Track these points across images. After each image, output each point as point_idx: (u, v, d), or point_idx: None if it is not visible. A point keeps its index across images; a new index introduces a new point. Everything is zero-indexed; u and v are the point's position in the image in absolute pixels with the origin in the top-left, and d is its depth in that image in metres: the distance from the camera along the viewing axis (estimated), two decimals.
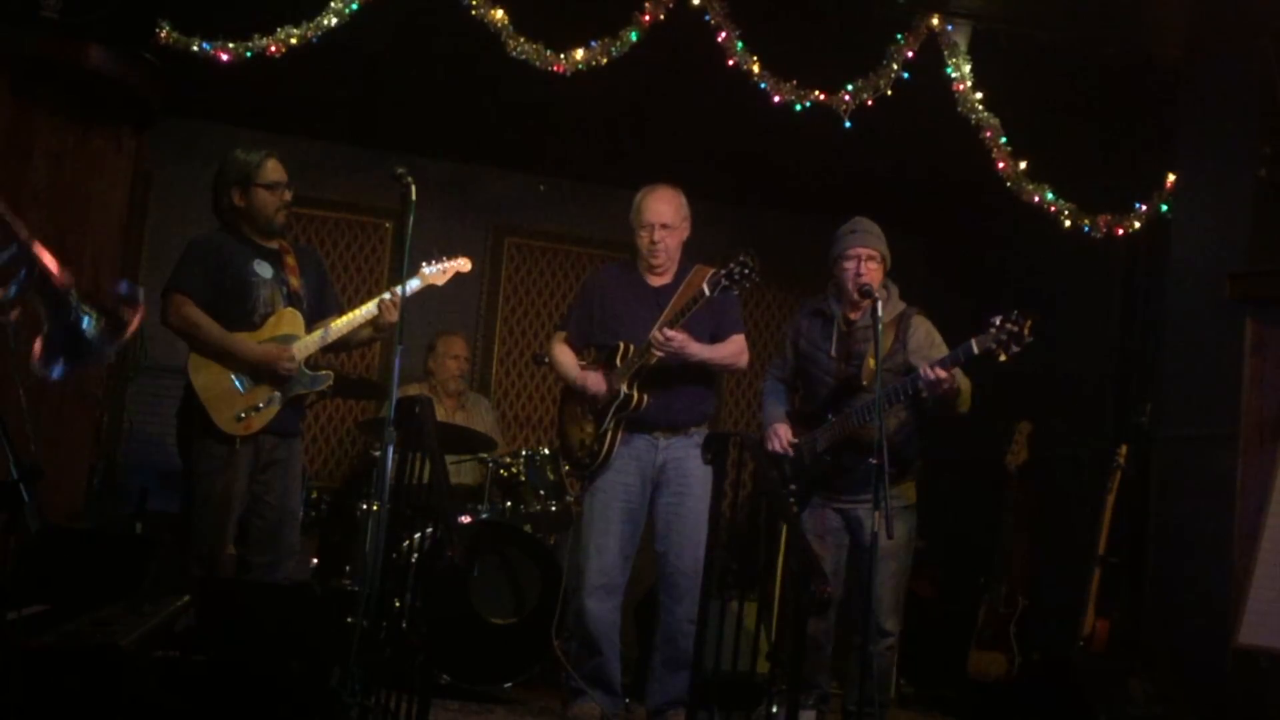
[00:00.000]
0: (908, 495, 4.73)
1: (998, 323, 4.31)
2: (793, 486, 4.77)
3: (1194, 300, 5.23)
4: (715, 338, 4.75)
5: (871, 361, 4.59)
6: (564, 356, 4.89)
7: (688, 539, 4.65)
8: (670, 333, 4.55)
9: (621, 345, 4.72)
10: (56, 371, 2.42)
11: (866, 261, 4.70)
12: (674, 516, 4.69)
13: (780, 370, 5.04)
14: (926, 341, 4.71)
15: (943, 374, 4.39)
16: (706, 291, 4.52)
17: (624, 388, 4.65)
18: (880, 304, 4.44)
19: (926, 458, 4.86)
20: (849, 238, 4.76)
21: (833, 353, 4.79)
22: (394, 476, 4.01)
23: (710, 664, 4.27)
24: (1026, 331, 4.27)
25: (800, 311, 5.05)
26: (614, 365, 4.72)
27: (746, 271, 4.47)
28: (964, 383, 4.60)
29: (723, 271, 4.49)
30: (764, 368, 7.59)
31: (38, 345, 2.42)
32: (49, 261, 2.39)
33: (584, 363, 4.91)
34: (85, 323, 2.41)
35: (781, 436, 4.84)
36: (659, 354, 4.59)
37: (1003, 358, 4.31)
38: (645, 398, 4.65)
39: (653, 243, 4.75)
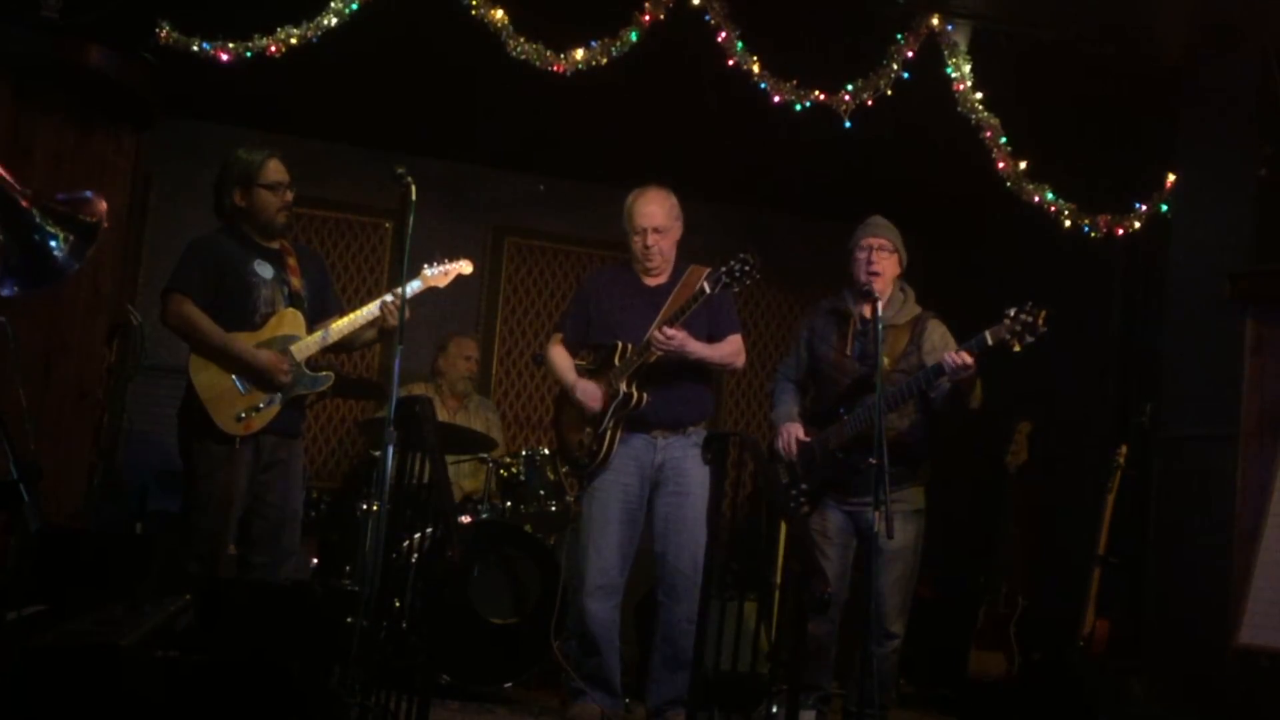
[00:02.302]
0: (916, 499, 4.71)
1: (1012, 314, 4.30)
2: (804, 486, 4.77)
3: (1194, 300, 5.23)
4: (712, 337, 4.75)
5: (887, 361, 4.58)
6: (560, 360, 4.88)
7: (686, 539, 4.65)
8: (670, 331, 4.56)
9: (619, 345, 4.72)
10: (8, 289, 2.38)
11: (878, 251, 4.69)
12: (672, 517, 4.69)
13: (791, 371, 5.01)
14: (941, 345, 4.69)
15: (968, 359, 4.37)
16: (707, 289, 4.52)
17: (623, 386, 4.65)
18: (881, 302, 4.44)
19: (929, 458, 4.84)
20: (861, 230, 4.77)
21: (848, 351, 4.78)
22: (394, 476, 4.01)
23: (710, 664, 4.28)
24: (1041, 322, 4.26)
25: (814, 311, 5.02)
26: (612, 365, 4.72)
27: (747, 269, 4.47)
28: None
29: (723, 269, 4.50)
30: (761, 368, 7.64)
31: None
32: (9, 182, 2.35)
33: (582, 362, 4.91)
34: (53, 243, 2.36)
35: (792, 435, 4.82)
36: (658, 353, 4.59)
37: (1017, 348, 4.30)
38: (645, 396, 4.65)
39: (646, 247, 4.75)
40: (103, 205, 2.42)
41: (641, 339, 4.64)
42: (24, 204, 2.34)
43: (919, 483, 4.73)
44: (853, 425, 4.65)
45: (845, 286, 4.87)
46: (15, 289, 2.37)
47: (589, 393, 4.74)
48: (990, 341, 4.34)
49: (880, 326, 4.33)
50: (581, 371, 4.87)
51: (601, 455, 4.70)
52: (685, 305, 4.58)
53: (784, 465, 4.84)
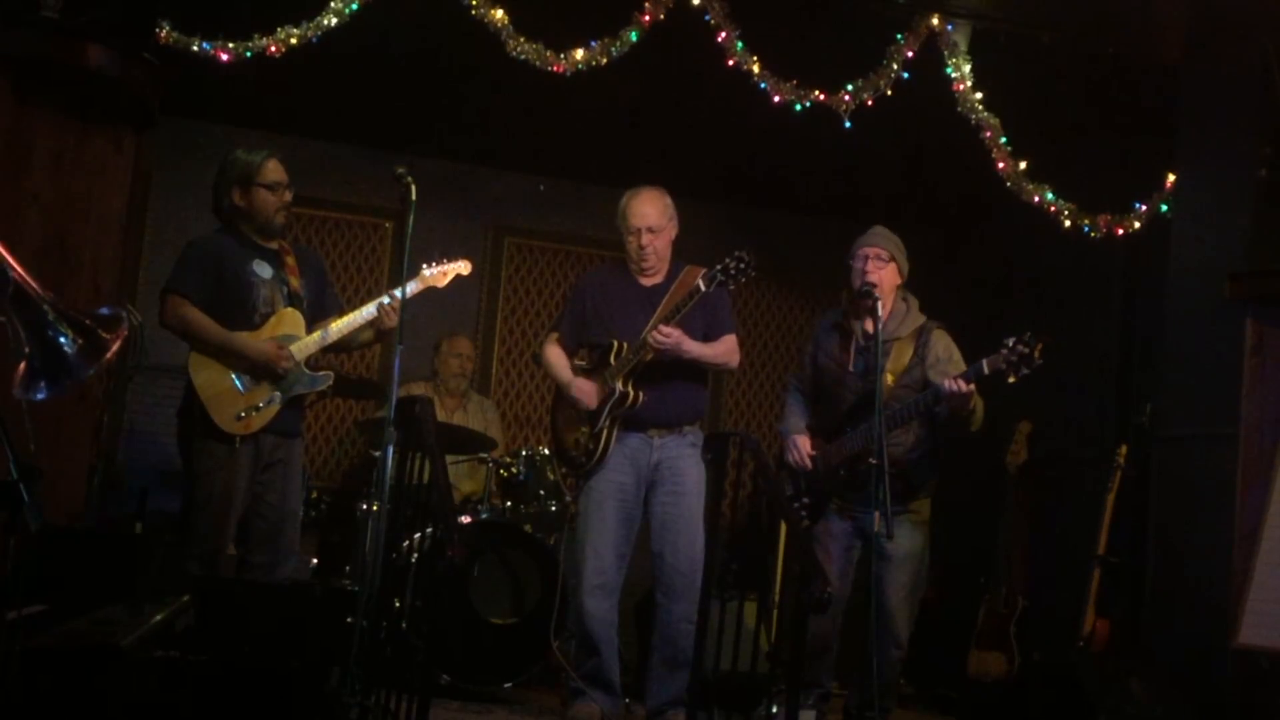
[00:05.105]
0: (921, 512, 4.71)
1: (1010, 344, 4.28)
2: (806, 499, 4.76)
3: (1194, 300, 5.22)
4: (707, 337, 4.75)
5: (890, 377, 4.57)
6: (556, 359, 4.89)
7: (683, 538, 4.66)
8: (667, 330, 4.56)
9: (615, 344, 4.72)
10: (39, 394, 2.38)
11: (874, 260, 4.67)
12: (669, 516, 4.69)
13: (801, 382, 5.02)
14: (945, 356, 4.67)
15: (965, 387, 4.37)
16: (702, 286, 4.52)
17: (619, 385, 4.65)
18: (880, 304, 4.43)
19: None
20: (859, 239, 4.75)
21: (850, 366, 4.76)
22: (394, 476, 4.01)
23: (710, 664, 4.28)
24: (1037, 354, 4.25)
25: (819, 325, 5.02)
26: (608, 364, 4.72)
27: (743, 267, 4.47)
28: (978, 402, 4.57)
29: (719, 267, 4.50)
30: (761, 368, 7.64)
31: (21, 367, 2.38)
32: (24, 277, 2.36)
33: (581, 362, 4.91)
34: (63, 341, 2.37)
35: (800, 449, 4.81)
36: (654, 351, 4.59)
37: (1012, 379, 4.29)
38: (641, 395, 4.65)
39: (641, 247, 4.75)
40: (119, 340, 2.43)
41: (637, 338, 4.64)
42: (35, 299, 2.35)
43: (925, 495, 4.73)
44: (853, 443, 4.64)
45: (846, 297, 4.86)
46: (45, 393, 2.37)
47: (584, 390, 4.74)
48: (987, 370, 4.34)
49: (879, 326, 4.33)
50: (578, 370, 4.88)
51: (598, 454, 4.70)
52: (681, 304, 4.58)
53: (788, 476, 4.84)
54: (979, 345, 4.51)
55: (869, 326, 4.67)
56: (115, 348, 2.43)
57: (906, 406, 4.51)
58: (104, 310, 2.47)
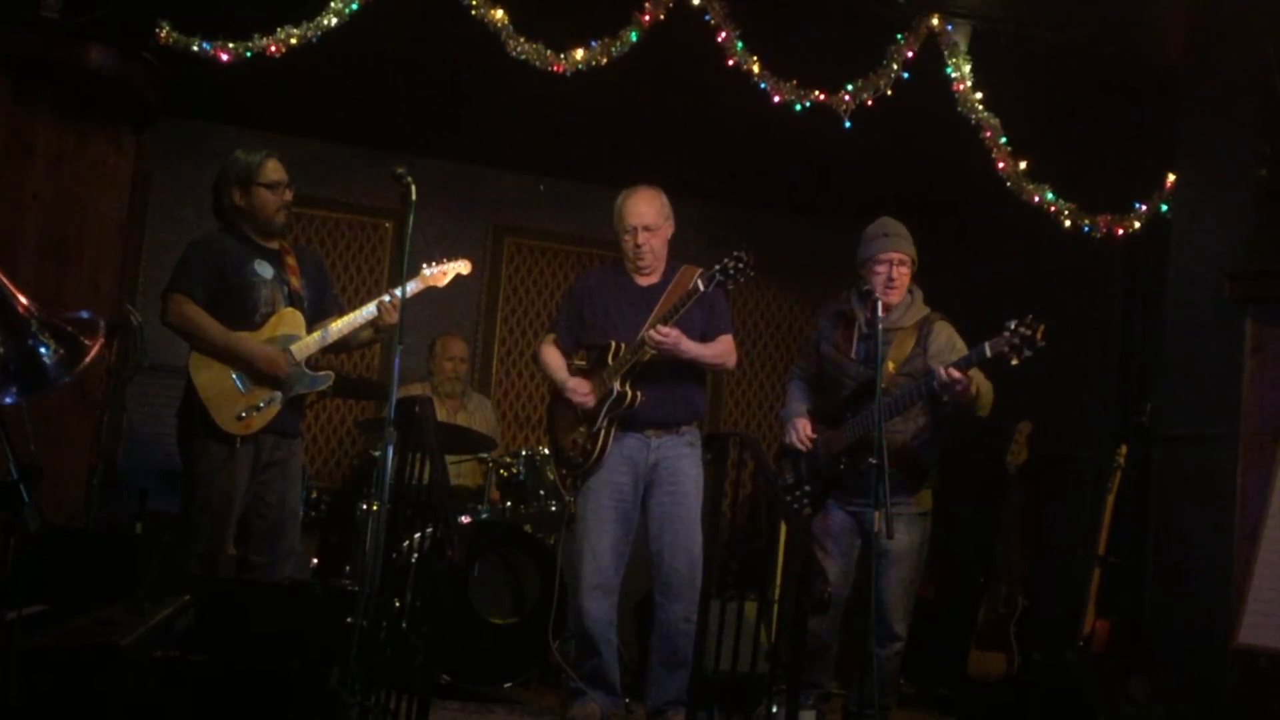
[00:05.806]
0: (923, 502, 4.70)
1: (1011, 326, 4.28)
2: (807, 487, 4.76)
3: (1194, 300, 5.23)
4: (705, 337, 4.75)
5: (891, 365, 4.57)
6: (552, 360, 4.89)
7: (682, 538, 4.66)
8: (666, 329, 4.56)
9: (613, 344, 4.72)
10: (8, 399, 2.40)
11: (898, 266, 4.67)
12: (668, 516, 4.69)
13: (805, 370, 5.02)
14: (948, 346, 4.67)
15: (958, 375, 4.37)
16: (701, 286, 4.52)
17: (617, 385, 4.65)
18: (881, 305, 4.43)
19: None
20: (881, 241, 4.70)
21: (852, 354, 4.76)
22: (394, 476, 4.01)
23: (710, 664, 4.28)
24: (1039, 336, 4.25)
25: (822, 313, 5.02)
26: (606, 364, 4.72)
27: (741, 266, 4.47)
28: (985, 386, 4.55)
29: (718, 267, 4.50)
30: (760, 368, 7.64)
31: None
32: (10, 288, 2.37)
33: (580, 362, 4.91)
34: (43, 351, 2.38)
35: (801, 430, 4.81)
36: (652, 351, 4.59)
37: (1015, 361, 4.29)
38: (639, 395, 4.65)
39: (637, 246, 4.75)
40: (97, 345, 2.45)
41: (634, 338, 4.64)
42: (20, 310, 2.36)
43: (926, 485, 4.72)
44: (853, 430, 4.63)
45: (853, 287, 4.86)
46: (15, 397, 2.39)
47: (581, 390, 4.74)
48: (989, 354, 4.33)
49: (880, 328, 4.33)
50: (575, 370, 4.88)
51: (596, 454, 4.70)
52: (679, 304, 4.58)
53: (789, 464, 4.84)
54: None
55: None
56: (93, 353, 2.44)
57: (907, 393, 4.50)
58: (83, 314, 2.48)
